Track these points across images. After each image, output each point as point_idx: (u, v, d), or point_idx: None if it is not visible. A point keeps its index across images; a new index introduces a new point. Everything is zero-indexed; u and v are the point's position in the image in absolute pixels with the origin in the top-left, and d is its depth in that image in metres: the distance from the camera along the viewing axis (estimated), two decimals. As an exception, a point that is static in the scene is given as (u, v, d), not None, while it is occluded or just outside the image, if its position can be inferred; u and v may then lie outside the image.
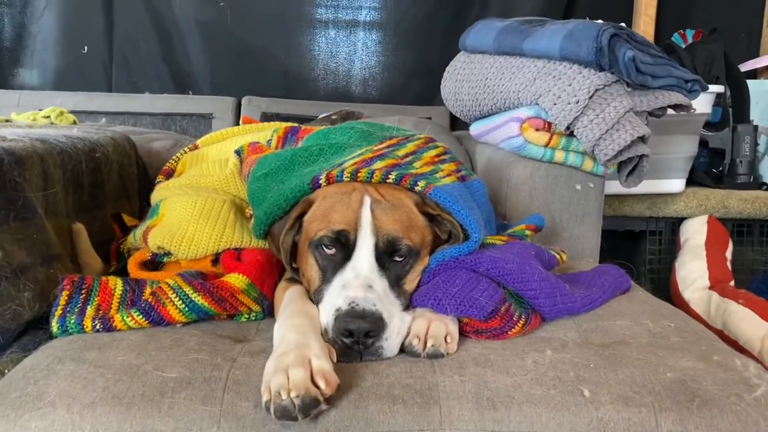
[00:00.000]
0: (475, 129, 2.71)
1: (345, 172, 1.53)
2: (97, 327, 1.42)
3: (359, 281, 1.38)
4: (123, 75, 3.90)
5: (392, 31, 4.00)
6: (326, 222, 1.47)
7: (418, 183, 1.52)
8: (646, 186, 2.89)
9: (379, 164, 1.56)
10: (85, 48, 3.85)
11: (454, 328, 1.41)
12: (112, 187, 2.18)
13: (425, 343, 1.35)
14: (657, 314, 1.65)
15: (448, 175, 1.66)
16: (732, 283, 2.80)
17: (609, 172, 2.27)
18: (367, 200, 1.48)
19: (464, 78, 2.62)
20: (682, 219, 3.06)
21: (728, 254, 2.91)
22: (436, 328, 1.37)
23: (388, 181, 1.53)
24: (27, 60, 3.82)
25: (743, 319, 2.40)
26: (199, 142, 2.33)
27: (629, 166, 2.22)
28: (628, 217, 3.05)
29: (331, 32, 3.92)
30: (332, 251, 1.46)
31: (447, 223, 1.53)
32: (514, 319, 1.47)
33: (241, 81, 3.94)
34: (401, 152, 1.68)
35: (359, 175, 1.52)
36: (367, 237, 1.44)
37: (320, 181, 1.54)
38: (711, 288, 2.73)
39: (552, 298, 1.54)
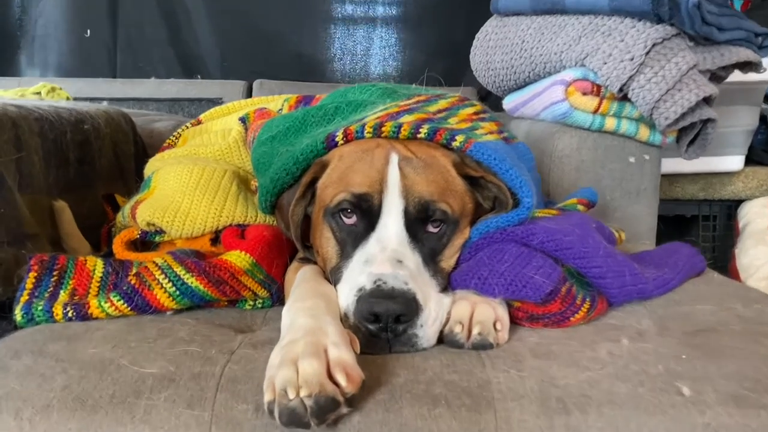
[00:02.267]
0: (509, 102, 2.44)
1: (366, 127, 1.27)
2: (69, 314, 1.18)
3: (386, 255, 1.12)
4: (128, 59, 3.68)
5: (413, 5, 3.72)
6: (344, 185, 1.21)
7: (456, 138, 1.25)
8: (700, 163, 2.60)
9: (407, 118, 1.30)
10: (88, 32, 3.64)
11: (504, 313, 1.14)
12: (104, 165, 1.94)
13: (470, 330, 1.08)
14: (744, 298, 1.38)
15: (490, 133, 1.39)
16: (802, 270, 2.49)
17: (668, 141, 1.98)
18: (395, 157, 1.21)
19: (497, 44, 2.35)
20: (739, 202, 2.76)
21: (795, 240, 2.60)
22: (483, 312, 1.10)
23: (418, 136, 1.27)
24: (27, 45, 3.62)
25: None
26: (202, 116, 2.08)
27: (691, 133, 1.94)
28: (679, 200, 2.76)
29: (348, 9, 3.66)
30: (352, 220, 1.20)
31: (492, 187, 1.26)
32: (577, 302, 1.19)
33: (253, 64, 3.69)
34: (433, 108, 1.41)
35: (383, 129, 1.26)
36: (394, 201, 1.17)
37: (336, 139, 1.28)
38: (779, 275, 2.43)
39: (620, 278, 1.26)
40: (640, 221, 2.03)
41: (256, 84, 3.53)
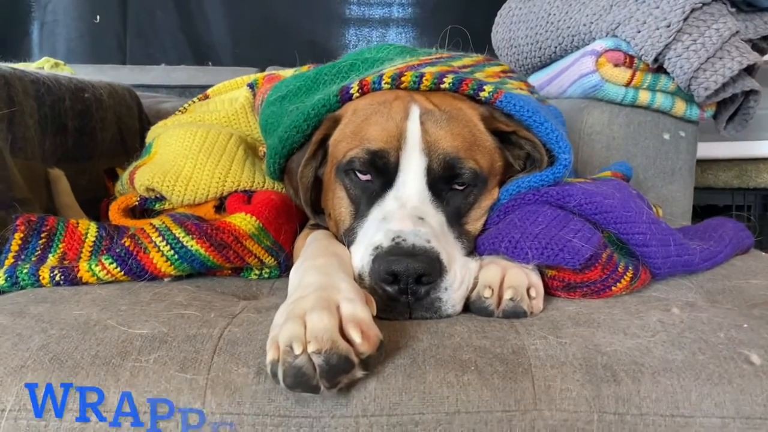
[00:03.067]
0: (533, 81, 2.30)
1: (384, 77, 1.16)
2: (57, 278, 1.07)
3: (406, 211, 1.00)
4: (138, 46, 3.61)
5: (431, -12, 3.63)
6: (359, 139, 1.09)
7: (484, 88, 1.13)
8: (735, 149, 2.48)
9: (430, 69, 1.18)
10: (98, 17, 3.56)
11: (537, 280, 1.02)
12: (107, 138, 1.84)
13: (500, 296, 0.96)
14: (801, 273, 1.24)
15: (520, 89, 1.27)
16: (844, 262, 2.33)
17: (705, 116, 1.85)
18: (415, 110, 1.10)
19: (521, 19, 2.23)
20: (775, 191, 2.61)
21: (835, 230, 2.45)
22: (515, 276, 0.98)
23: (442, 86, 1.15)
24: (35, 31, 3.55)
25: None
26: (210, 91, 1.97)
27: (731, 107, 1.81)
28: (712, 188, 2.61)
29: (363, -6, 3.58)
30: (367, 176, 1.08)
31: (525, 144, 1.14)
32: (619, 270, 1.07)
33: (265, 51, 3.60)
34: (456, 63, 1.30)
35: (403, 79, 1.15)
36: (415, 157, 1.05)
37: (351, 91, 1.17)
38: (820, 268, 2.27)
39: (665, 247, 1.13)
40: (675, 203, 1.90)
41: (268, 71, 3.44)
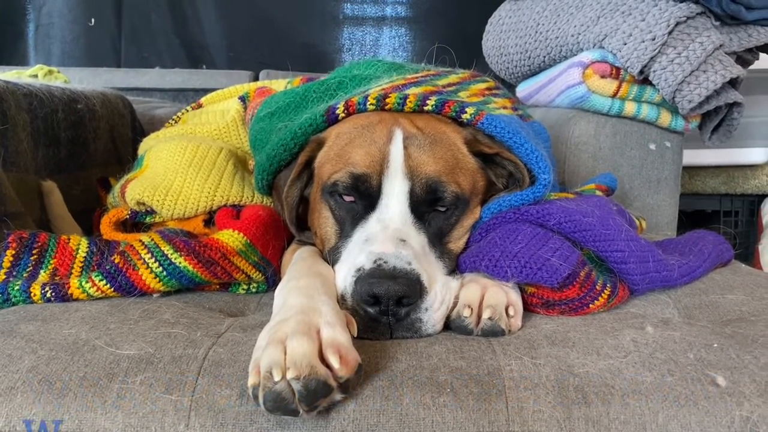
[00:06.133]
0: (522, 90, 2.34)
1: (369, 98, 1.18)
2: (48, 295, 1.09)
3: (388, 234, 1.03)
4: (132, 49, 3.61)
5: (424, -5, 3.64)
6: (342, 162, 1.12)
7: (466, 110, 1.15)
8: (722, 156, 2.51)
9: (414, 90, 1.21)
10: (92, 20, 3.57)
11: (517, 298, 1.05)
12: (100, 148, 1.86)
13: (479, 315, 0.99)
14: (777, 288, 1.27)
15: (503, 108, 1.30)
16: (828, 268, 2.37)
17: (691, 127, 1.88)
18: (399, 134, 1.12)
19: (510, 28, 2.25)
20: (762, 196, 2.64)
21: (821, 236, 2.48)
22: (494, 295, 1.01)
23: (425, 108, 1.17)
24: (30, 34, 3.55)
25: None
26: (203, 99, 1.99)
27: (715, 119, 1.84)
28: (699, 194, 2.65)
29: (357, -3, 3.59)
30: (351, 197, 1.11)
31: (508, 164, 1.16)
32: (596, 288, 1.10)
33: (259, 54, 3.61)
34: (442, 81, 1.32)
35: (388, 101, 1.17)
36: (398, 181, 1.08)
37: (337, 111, 1.20)
38: (804, 273, 2.31)
39: (644, 264, 1.16)
40: (660, 212, 1.93)
41: (262, 74, 3.45)
